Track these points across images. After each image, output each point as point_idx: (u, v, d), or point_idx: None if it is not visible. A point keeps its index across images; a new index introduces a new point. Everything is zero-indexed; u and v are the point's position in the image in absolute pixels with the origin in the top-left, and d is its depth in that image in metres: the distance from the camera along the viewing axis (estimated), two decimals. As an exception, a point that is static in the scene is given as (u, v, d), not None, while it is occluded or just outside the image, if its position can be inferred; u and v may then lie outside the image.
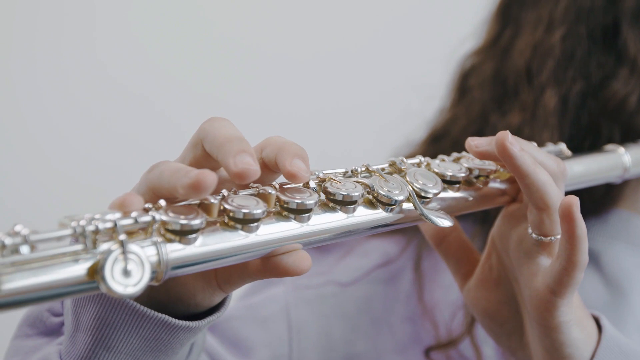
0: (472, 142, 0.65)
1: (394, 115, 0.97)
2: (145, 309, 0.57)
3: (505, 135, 0.63)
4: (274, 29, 1.50)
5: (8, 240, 0.46)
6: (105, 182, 1.41)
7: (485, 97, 0.91)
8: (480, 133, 0.89)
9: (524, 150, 0.63)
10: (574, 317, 0.65)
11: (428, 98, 0.97)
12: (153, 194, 0.54)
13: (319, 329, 0.88)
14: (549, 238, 0.64)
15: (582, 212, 0.86)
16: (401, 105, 0.97)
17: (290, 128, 1.44)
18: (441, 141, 0.93)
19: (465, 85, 0.95)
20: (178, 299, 0.59)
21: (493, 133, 0.87)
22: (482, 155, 0.65)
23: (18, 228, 0.46)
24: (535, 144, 0.68)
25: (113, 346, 0.58)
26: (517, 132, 0.85)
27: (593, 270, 0.88)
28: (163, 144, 1.36)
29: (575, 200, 0.61)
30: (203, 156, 0.56)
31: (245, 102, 1.48)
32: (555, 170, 0.65)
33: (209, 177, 0.50)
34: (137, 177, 0.57)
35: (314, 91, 1.50)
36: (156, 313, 0.57)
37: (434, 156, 0.86)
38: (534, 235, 0.65)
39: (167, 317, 0.58)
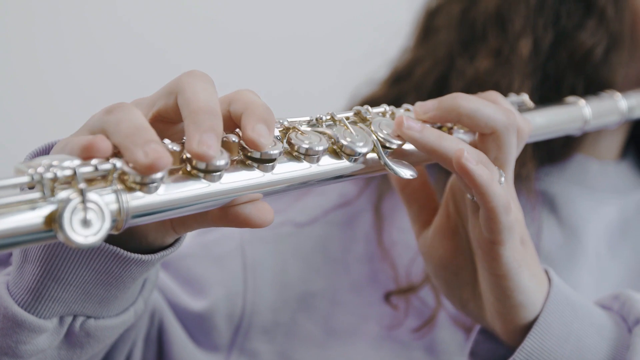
0: (420, 108, 0.65)
1: (356, 53, 0.95)
2: None
3: (401, 121, 0.62)
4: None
5: (-38, 187, 0.44)
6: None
7: (452, 39, 0.89)
8: (445, 76, 0.88)
9: (425, 128, 0.62)
10: (523, 264, 0.65)
11: (392, 36, 0.95)
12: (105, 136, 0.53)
13: (275, 267, 0.87)
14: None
15: (541, 159, 0.87)
16: (365, 43, 0.95)
17: (252, 62, 1.42)
18: (404, 82, 0.92)
19: (430, 24, 0.93)
20: (130, 236, 0.59)
21: (460, 78, 0.87)
22: (433, 120, 0.64)
23: (-27, 175, 0.45)
24: (496, 92, 0.68)
25: (63, 278, 0.58)
26: (485, 78, 0.84)
27: (549, 213, 0.89)
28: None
29: (460, 153, 0.60)
30: (174, 109, 0.54)
31: (209, 34, 1.46)
32: (504, 122, 0.64)
33: (164, 160, 0.48)
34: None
35: (276, 26, 1.48)
36: (108, 245, 0.57)
37: (397, 98, 0.84)
38: (468, 196, 0.65)
39: (118, 249, 0.57)
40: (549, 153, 0.89)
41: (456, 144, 0.62)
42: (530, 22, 0.85)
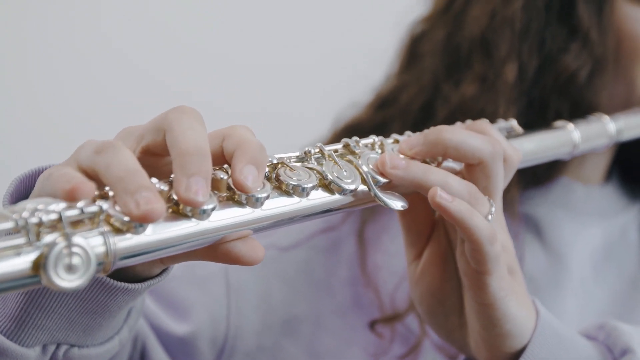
0: (405, 145, 0.64)
1: (341, 77, 0.95)
2: None
3: (384, 161, 0.61)
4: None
5: (-54, 234, 0.43)
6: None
7: (437, 64, 0.89)
8: (431, 103, 0.88)
9: (410, 165, 0.61)
10: (510, 293, 0.65)
11: (376, 62, 0.95)
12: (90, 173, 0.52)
13: (258, 290, 0.87)
14: None
15: (526, 182, 0.87)
16: (349, 68, 0.95)
17: (239, 86, 1.42)
18: (388, 108, 0.91)
19: (415, 51, 0.93)
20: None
21: (445, 104, 0.86)
22: (419, 155, 0.64)
23: (-43, 220, 0.44)
24: (486, 121, 0.68)
25: (47, 306, 0.57)
26: (471, 104, 0.84)
27: (533, 237, 0.89)
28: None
29: (434, 192, 0.60)
30: (162, 145, 0.53)
31: (197, 58, 1.45)
32: (490, 152, 0.64)
33: (156, 213, 0.47)
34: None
35: (263, 50, 1.48)
36: None
37: (382, 123, 0.83)
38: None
39: (105, 277, 0.56)
40: (534, 176, 0.89)
41: (443, 176, 0.61)
42: (516, 47, 0.85)
